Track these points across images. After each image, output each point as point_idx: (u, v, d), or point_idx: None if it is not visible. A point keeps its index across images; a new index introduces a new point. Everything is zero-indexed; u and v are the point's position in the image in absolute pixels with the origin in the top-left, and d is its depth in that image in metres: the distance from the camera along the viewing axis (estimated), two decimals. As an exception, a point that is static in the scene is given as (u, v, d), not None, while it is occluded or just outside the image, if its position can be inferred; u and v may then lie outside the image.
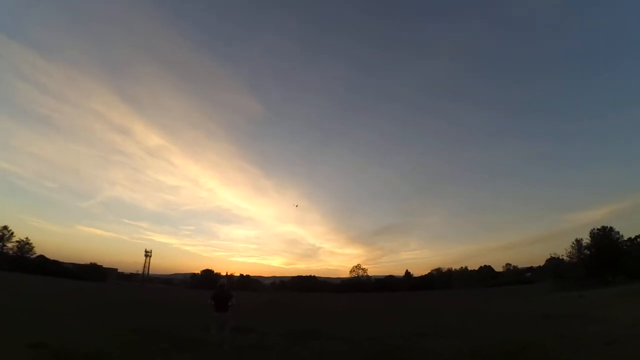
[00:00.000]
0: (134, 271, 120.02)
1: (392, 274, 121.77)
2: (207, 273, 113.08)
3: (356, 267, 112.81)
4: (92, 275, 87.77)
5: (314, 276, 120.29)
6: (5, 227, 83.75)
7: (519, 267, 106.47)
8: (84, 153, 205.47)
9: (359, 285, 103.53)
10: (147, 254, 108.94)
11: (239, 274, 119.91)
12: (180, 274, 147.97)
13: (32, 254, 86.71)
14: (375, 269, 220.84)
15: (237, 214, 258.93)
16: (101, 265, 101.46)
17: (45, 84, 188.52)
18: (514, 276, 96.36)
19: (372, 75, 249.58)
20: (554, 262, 62.51)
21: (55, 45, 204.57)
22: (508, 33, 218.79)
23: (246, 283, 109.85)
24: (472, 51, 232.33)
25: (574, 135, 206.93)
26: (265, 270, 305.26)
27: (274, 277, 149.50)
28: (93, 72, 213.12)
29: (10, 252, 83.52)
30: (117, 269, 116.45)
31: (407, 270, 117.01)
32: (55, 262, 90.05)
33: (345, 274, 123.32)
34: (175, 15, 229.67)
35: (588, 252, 52.58)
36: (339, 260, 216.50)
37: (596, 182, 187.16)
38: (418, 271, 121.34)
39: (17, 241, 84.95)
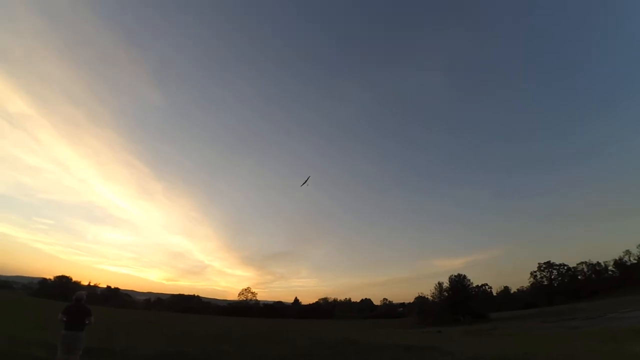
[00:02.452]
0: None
1: (281, 300, 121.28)
2: (63, 280, 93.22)
3: (246, 290, 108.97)
4: None
5: (197, 296, 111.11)
6: None
7: (393, 302, 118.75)
8: None
9: (246, 309, 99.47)
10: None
11: (105, 286, 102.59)
12: (24, 277, 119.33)
13: None
14: (265, 294, 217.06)
15: (113, 214, 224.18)
16: None
17: None
18: (389, 310, 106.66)
19: (280, 104, 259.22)
20: (420, 300, 71.84)
21: None
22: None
23: (113, 296, 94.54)
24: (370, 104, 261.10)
25: (446, 196, 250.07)
26: (140, 284, 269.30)
27: (150, 293, 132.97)
28: None
29: None
30: None
31: (296, 297, 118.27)
32: None
33: (233, 296, 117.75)
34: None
35: (447, 294, 62.09)
36: (227, 281, 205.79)
37: (458, 237, 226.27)
38: (306, 299, 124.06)
39: None
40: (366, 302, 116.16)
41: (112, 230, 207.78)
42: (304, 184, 43.08)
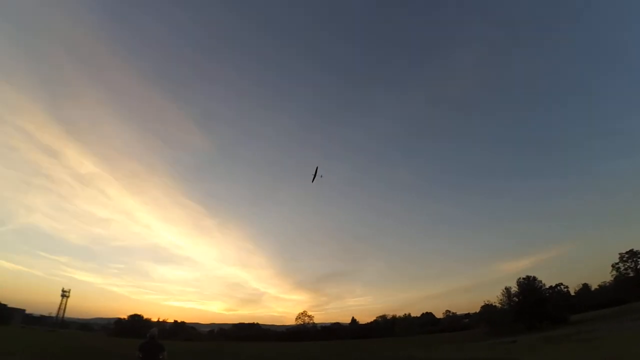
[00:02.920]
0: (45, 313, 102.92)
1: (338, 321, 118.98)
2: (135, 318, 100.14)
3: (302, 313, 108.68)
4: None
5: (257, 323, 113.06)
6: None
7: (457, 313, 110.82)
8: (0, 173, 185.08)
9: (304, 333, 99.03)
10: (64, 294, 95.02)
11: (172, 321, 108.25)
12: (102, 318, 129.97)
13: None
14: (321, 316, 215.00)
15: (175, 253, 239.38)
16: (6, 305, 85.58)
17: None
18: (453, 322, 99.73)
19: (318, 128, 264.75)
20: (487, 309, 66.30)
21: None
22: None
23: (180, 331, 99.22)
24: (408, 114, 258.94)
25: (504, 193, 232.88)
26: (204, 316, 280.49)
27: (213, 325, 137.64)
28: (27, 87, 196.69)
29: None
30: (24, 310, 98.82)
31: (353, 317, 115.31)
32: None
33: (290, 320, 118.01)
34: (127, 48, 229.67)
35: (516, 299, 56.88)
36: (284, 306, 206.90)
37: (522, 235, 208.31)
38: (364, 318, 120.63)
39: None
40: (427, 316, 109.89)
41: (175, 268, 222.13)
42: (314, 178, 40.72)
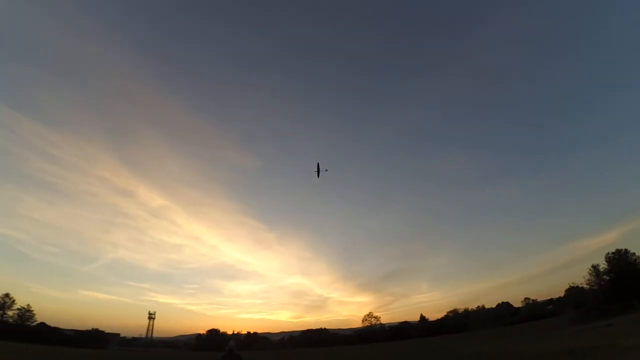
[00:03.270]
0: (137, 335, 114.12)
1: (406, 320, 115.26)
2: (213, 333, 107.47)
3: (368, 315, 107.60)
4: (93, 342, 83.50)
5: (324, 329, 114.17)
6: (6, 295, 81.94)
7: (538, 300, 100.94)
8: (88, 217, 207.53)
9: (372, 335, 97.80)
10: (151, 317, 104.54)
11: (245, 332, 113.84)
12: (184, 335, 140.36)
13: (32, 322, 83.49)
14: (388, 316, 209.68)
15: (241, 269, 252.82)
16: (103, 331, 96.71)
17: (54, 154, 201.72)
18: (534, 310, 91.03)
19: (363, 124, 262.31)
20: (573, 292, 59.70)
21: (64, 119, 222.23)
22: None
23: (254, 341, 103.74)
24: (453, 99, 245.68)
25: (569, 165, 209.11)
26: (273, 325, 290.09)
27: (283, 333, 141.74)
28: (99, 141, 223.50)
29: (11, 320, 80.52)
30: (119, 334, 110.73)
31: (421, 315, 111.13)
32: (56, 329, 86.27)
33: (357, 323, 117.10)
34: (171, 84, 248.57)
35: (607, 278, 50.50)
36: (349, 310, 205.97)
37: (603, 206, 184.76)
38: (433, 314, 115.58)
39: (17, 309, 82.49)
40: (504, 307, 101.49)
41: (243, 283, 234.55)
42: (319, 174, 39.83)
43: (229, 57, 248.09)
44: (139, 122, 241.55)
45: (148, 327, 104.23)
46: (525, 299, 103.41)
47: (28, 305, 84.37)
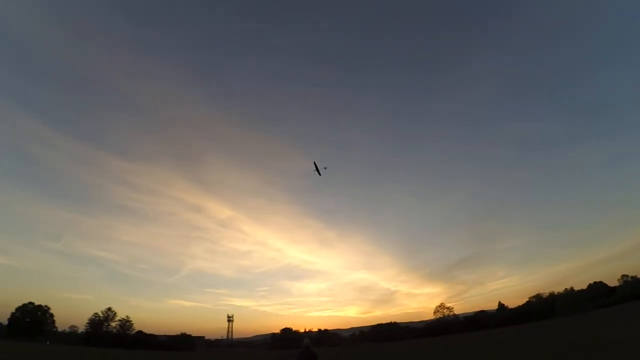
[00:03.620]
0: (219, 337, 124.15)
1: (482, 309, 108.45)
2: (286, 332, 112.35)
3: (440, 306, 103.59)
4: (183, 345, 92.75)
5: (394, 322, 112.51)
6: (109, 309, 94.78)
7: (638, 276, 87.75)
8: (168, 234, 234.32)
9: (446, 327, 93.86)
10: (230, 319, 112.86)
11: (316, 330, 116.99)
12: (261, 335, 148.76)
13: (132, 331, 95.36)
14: (462, 306, 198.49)
15: (306, 268, 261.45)
16: (190, 335, 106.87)
17: (133, 182, 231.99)
18: (635, 289, 79.17)
19: (422, 101, 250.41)
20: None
21: (139, 151, 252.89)
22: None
23: (324, 338, 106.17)
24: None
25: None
26: (342, 322, 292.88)
27: (353, 329, 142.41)
28: (169, 166, 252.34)
29: (114, 330, 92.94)
30: (204, 337, 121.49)
31: (499, 302, 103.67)
32: (151, 336, 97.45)
33: (428, 315, 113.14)
34: (224, 102, 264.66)
35: None
36: (418, 302, 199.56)
37: None
38: (512, 301, 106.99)
39: (119, 320, 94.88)
40: (597, 287, 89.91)
41: (309, 282, 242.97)
42: (319, 172, 38.38)
43: (276, 66, 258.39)
44: (202, 143, 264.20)
45: (228, 329, 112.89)
46: (623, 276, 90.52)
47: (127, 316, 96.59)
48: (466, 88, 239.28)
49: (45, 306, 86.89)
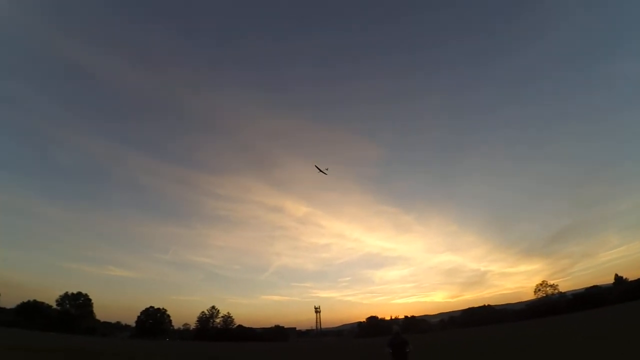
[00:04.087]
0: (309, 327, 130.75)
1: (595, 284, 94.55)
2: (372, 320, 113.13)
3: (541, 284, 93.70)
4: (277, 337, 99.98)
5: (488, 305, 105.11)
6: (213, 307, 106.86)
7: None
8: (254, 236, 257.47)
9: (550, 307, 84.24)
10: (317, 310, 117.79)
11: (403, 317, 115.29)
12: (348, 324, 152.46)
13: (233, 325, 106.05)
14: (568, 283, 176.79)
15: (386, 255, 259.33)
16: (283, 327, 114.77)
17: (220, 193, 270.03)
18: None
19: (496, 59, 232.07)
20: None
21: (221, 165, 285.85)
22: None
23: (412, 325, 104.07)
24: None
25: None
26: (430, 307, 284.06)
27: (442, 314, 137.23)
28: (249, 174, 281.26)
29: (219, 325, 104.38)
30: (295, 328, 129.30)
31: (616, 275, 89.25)
32: (250, 329, 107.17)
33: (528, 295, 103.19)
34: (288, 104, 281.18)
35: None
36: (514, 282, 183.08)
37: None
38: (633, 272, 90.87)
39: (222, 317, 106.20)
40: None
41: (390, 269, 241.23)
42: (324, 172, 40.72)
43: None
44: (274, 149, 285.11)
45: (316, 320, 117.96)
46: None
47: (228, 312, 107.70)
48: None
49: (163, 308, 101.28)
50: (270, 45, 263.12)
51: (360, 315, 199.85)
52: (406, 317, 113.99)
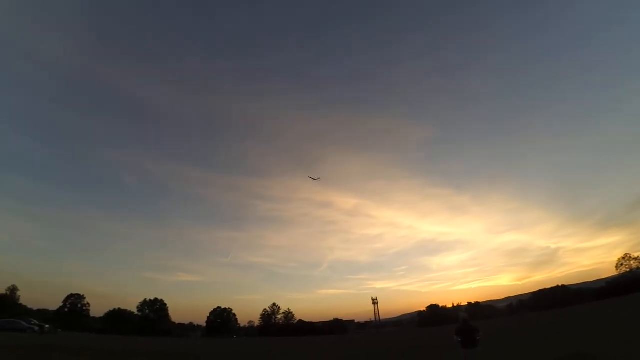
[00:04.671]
0: (367, 319, 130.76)
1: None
2: (433, 308, 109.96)
3: (623, 258, 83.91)
4: (336, 329, 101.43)
5: (562, 285, 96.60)
6: (274, 304, 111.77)
7: None
8: (306, 233, 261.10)
9: (636, 283, 74.90)
10: (374, 302, 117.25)
11: (466, 303, 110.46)
12: (407, 314, 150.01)
13: (294, 320, 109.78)
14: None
15: (442, 241, 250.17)
16: (341, 319, 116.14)
17: (270, 195, 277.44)
18: None
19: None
20: None
21: (266, 168, 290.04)
22: None
23: (477, 311, 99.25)
24: None
25: None
26: (495, 292, 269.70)
27: (509, 298, 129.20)
28: (296, 174, 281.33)
29: (280, 321, 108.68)
30: (354, 320, 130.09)
31: None
32: (310, 323, 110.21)
33: (609, 272, 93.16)
34: (328, 99, 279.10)
35: None
36: (591, 258, 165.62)
37: None
38: None
39: (283, 313, 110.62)
40: None
41: (448, 255, 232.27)
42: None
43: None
44: (318, 145, 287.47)
45: (374, 311, 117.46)
46: None
47: (288, 308, 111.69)
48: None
49: (229, 308, 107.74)
50: (301, 48, 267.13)
51: (420, 304, 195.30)
52: (469, 303, 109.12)
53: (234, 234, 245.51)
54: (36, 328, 42.39)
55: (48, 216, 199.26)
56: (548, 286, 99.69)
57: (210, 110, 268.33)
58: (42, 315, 73.80)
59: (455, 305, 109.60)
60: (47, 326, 46.72)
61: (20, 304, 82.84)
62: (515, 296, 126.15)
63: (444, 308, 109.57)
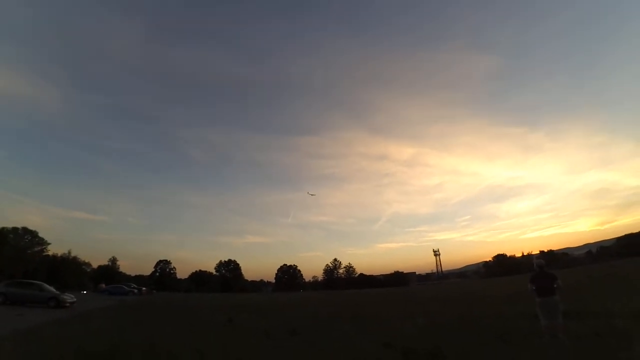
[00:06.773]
0: (429, 271, 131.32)
1: None
2: (500, 258, 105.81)
3: None
4: (398, 282, 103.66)
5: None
6: (335, 259, 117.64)
7: None
8: (363, 188, 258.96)
9: None
10: (436, 254, 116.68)
11: (538, 252, 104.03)
12: (472, 265, 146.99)
13: (355, 274, 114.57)
14: None
15: (512, 186, 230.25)
16: (402, 272, 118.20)
17: (322, 152, 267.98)
18: None
19: None
20: None
21: (319, 124, 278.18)
22: None
23: (551, 260, 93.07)
24: None
25: None
26: (571, 239, 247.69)
27: (587, 245, 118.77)
28: (348, 127, 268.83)
29: (342, 275, 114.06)
30: (415, 272, 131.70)
31: None
32: (371, 277, 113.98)
33: None
34: (380, 41, 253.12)
35: None
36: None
37: None
38: None
39: (344, 267, 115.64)
40: None
41: (518, 200, 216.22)
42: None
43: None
44: (369, 93, 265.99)
45: (436, 263, 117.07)
46: None
47: (349, 263, 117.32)
48: None
49: (294, 265, 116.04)
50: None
51: (485, 255, 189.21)
52: (542, 252, 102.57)
53: (293, 195, 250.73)
54: (136, 290, 51.30)
55: (137, 196, 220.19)
56: (635, 231, 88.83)
57: (264, 73, 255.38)
58: (139, 280, 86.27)
59: (525, 254, 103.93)
60: (144, 289, 56.58)
61: (121, 272, 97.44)
62: (594, 243, 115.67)
63: (513, 257, 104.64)
